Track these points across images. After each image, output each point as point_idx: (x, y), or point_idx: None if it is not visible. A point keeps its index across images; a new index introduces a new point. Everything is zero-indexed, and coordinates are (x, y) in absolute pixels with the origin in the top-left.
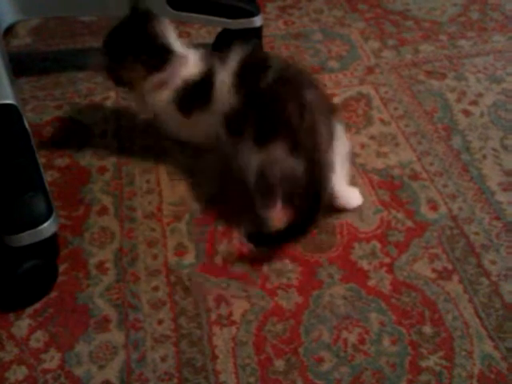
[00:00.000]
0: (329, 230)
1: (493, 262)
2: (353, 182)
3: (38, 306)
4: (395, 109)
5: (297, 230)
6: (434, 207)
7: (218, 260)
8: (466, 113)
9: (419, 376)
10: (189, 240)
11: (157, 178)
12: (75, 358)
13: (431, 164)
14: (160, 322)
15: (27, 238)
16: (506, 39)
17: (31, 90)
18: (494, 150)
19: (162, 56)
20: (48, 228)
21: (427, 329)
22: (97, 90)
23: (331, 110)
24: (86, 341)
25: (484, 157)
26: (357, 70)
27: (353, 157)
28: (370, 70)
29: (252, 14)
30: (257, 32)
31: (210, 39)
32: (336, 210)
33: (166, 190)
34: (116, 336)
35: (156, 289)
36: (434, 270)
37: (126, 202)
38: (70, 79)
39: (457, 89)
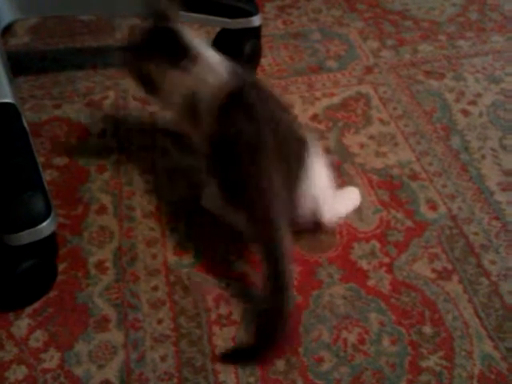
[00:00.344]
0: (328, 229)
1: (492, 262)
2: (352, 182)
3: (37, 305)
4: (394, 109)
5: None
6: (434, 207)
7: (218, 259)
8: (465, 113)
9: (419, 376)
10: (188, 239)
11: (156, 177)
12: (75, 357)
13: (430, 164)
14: (159, 321)
15: (26, 237)
16: (505, 39)
17: (30, 89)
18: (493, 149)
19: (186, 54)
20: (47, 227)
21: (427, 329)
22: (96, 90)
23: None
24: (86, 340)
25: (483, 157)
26: (355, 69)
27: (352, 156)
28: (368, 70)
29: (251, 14)
30: (255, 32)
31: (209, 39)
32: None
33: (165, 189)
34: (115, 336)
35: (155, 288)
36: (433, 270)
37: (125, 201)
38: (68, 78)
39: (455, 89)
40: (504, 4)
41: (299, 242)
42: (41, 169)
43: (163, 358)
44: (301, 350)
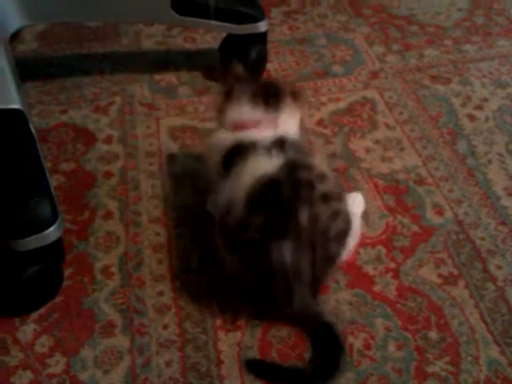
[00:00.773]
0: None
1: (499, 267)
2: (357, 187)
3: (42, 310)
4: (400, 113)
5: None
6: (440, 212)
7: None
8: (471, 117)
9: (425, 382)
10: (194, 245)
11: (162, 182)
12: (80, 362)
13: (436, 169)
14: (165, 326)
15: (33, 242)
16: (511, 44)
17: (37, 95)
18: (500, 154)
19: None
20: (53, 232)
21: (433, 334)
22: (102, 95)
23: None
24: (91, 345)
25: (489, 161)
26: (361, 74)
27: (358, 161)
28: (374, 75)
29: (257, 20)
30: (262, 37)
31: (215, 44)
32: None
33: (172, 194)
34: (121, 341)
35: (161, 293)
36: (439, 275)
37: (132, 206)
38: (75, 84)
39: (462, 93)
40: (510, 8)
41: None
42: (48, 174)
43: (168, 364)
44: (306, 355)
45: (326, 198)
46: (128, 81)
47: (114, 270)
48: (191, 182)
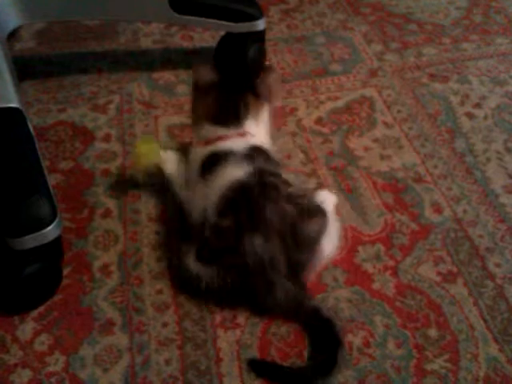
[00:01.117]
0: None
1: (497, 265)
2: (356, 185)
3: (42, 309)
4: (398, 112)
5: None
6: (438, 210)
7: None
8: (470, 115)
9: (424, 379)
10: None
11: (161, 181)
12: (79, 361)
13: (435, 167)
14: (164, 324)
15: (31, 241)
16: (510, 42)
17: (35, 94)
18: (498, 152)
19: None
20: (52, 231)
21: (432, 332)
22: (100, 94)
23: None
24: (91, 344)
25: (488, 159)
26: (360, 72)
27: (356, 159)
28: (372, 73)
29: (255, 18)
30: (260, 35)
31: (213, 43)
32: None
33: (170, 193)
34: (120, 339)
35: (160, 292)
36: (438, 273)
37: (130, 204)
38: (73, 83)
39: (460, 92)
40: (509, 6)
41: None
42: (46, 173)
43: (168, 362)
44: (305, 353)
45: (291, 197)
46: (126, 79)
47: (112, 268)
48: None
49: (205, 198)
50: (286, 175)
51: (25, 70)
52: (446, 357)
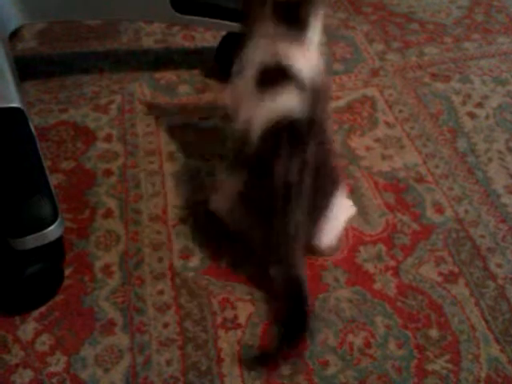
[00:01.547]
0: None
1: (499, 265)
2: (357, 185)
3: (43, 309)
4: (400, 111)
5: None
6: (440, 210)
7: (223, 263)
8: (472, 115)
9: (425, 380)
10: (194, 243)
11: (162, 180)
12: (81, 361)
13: (437, 166)
14: (165, 325)
15: (33, 241)
16: (511, 41)
17: (37, 94)
18: (500, 152)
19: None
20: (54, 231)
21: (433, 332)
22: (102, 94)
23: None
24: (92, 344)
25: (489, 159)
26: (361, 72)
27: (358, 159)
28: (374, 73)
29: None
30: None
31: (215, 42)
32: None
33: (172, 193)
34: (121, 339)
35: (161, 292)
36: (440, 273)
37: (132, 204)
38: (75, 82)
39: (462, 91)
40: (510, 6)
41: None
42: (47, 173)
43: (169, 362)
44: (306, 353)
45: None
46: (128, 79)
47: (114, 268)
48: (191, 180)
49: (252, 111)
50: None
51: (26, 69)
52: (447, 357)
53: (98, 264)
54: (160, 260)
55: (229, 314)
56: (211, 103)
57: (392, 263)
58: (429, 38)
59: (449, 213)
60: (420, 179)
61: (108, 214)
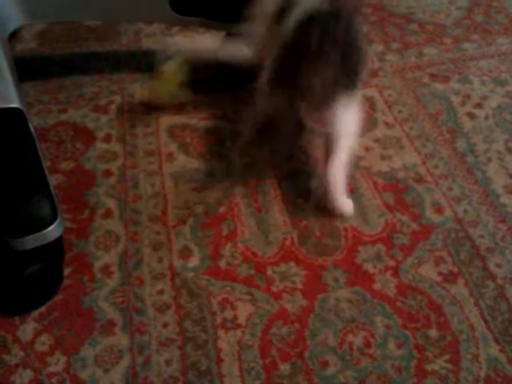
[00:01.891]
0: (333, 233)
1: (498, 265)
2: (357, 186)
3: (43, 309)
4: (399, 112)
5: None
6: (439, 210)
7: (223, 263)
8: (471, 115)
9: (425, 380)
10: (193, 243)
11: (161, 181)
12: (80, 361)
13: (436, 167)
14: (165, 325)
15: (32, 241)
16: (511, 42)
17: (36, 94)
18: (499, 152)
19: None
20: (53, 231)
21: (433, 332)
22: (101, 94)
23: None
24: (91, 344)
25: (489, 159)
26: None
27: (357, 160)
28: (373, 73)
29: None
30: None
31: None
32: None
33: (171, 193)
34: (121, 339)
35: (161, 292)
36: (439, 273)
37: (131, 205)
38: (74, 83)
39: (461, 92)
40: (510, 6)
41: (304, 246)
42: (47, 173)
43: (168, 362)
44: (306, 353)
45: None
46: (127, 80)
47: (113, 268)
48: (190, 180)
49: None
50: None
51: (26, 70)
52: (447, 357)
53: (98, 264)
54: (159, 260)
55: (228, 314)
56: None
57: (391, 263)
58: (428, 38)
59: (448, 213)
60: (419, 179)
61: (107, 214)
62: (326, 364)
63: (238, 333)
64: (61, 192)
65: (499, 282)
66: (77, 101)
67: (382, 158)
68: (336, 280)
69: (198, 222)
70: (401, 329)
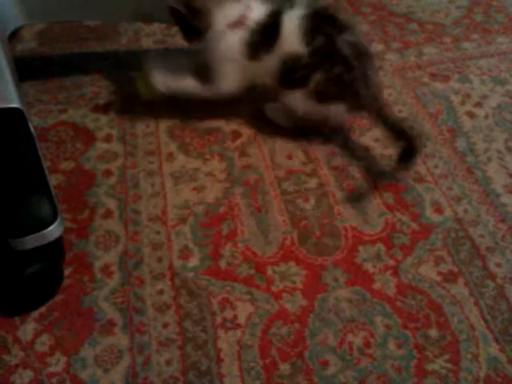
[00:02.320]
0: (333, 232)
1: (498, 265)
2: (356, 185)
3: (43, 309)
4: (399, 111)
5: None
6: (439, 210)
7: (223, 263)
8: (471, 115)
9: (425, 379)
10: (193, 243)
11: (161, 181)
12: (80, 361)
13: (436, 166)
14: (165, 325)
15: (32, 241)
16: (510, 41)
17: (36, 94)
18: (499, 151)
19: None
20: (53, 231)
21: (433, 332)
22: (101, 94)
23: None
24: (91, 344)
25: (489, 159)
26: None
27: (357, 159)
28: None
29: None
30: None
31: None
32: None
33: (171, 193)
34: (121, 339)
35: (161, 292)
36: (439, 273)
37: (131, 205)
38: (74, 83)
39: (461, 91)
40: (509, 5)
41: (304, 246)
42: (47, 173)
43: (168, 362)
44: (306, 353)
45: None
46: (127, 79)
47: (113, 268)
48: (190, 180)
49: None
50: None
51: (26, 70)
52: (447, 357)
53: (98, 264)
54: (159, 260)
55: (228, 314)
56: None
57: (391, 263)
58: (428, 37)
59: (448, 212)
60: (419, 179)
61: (107, 214)
62: (326, 364)
63: (238, 333)
64: (61, 192)
65: (499, 281)
66: (77, 101)
67: (382, 157)
68: (336, 280)
69: (198, 221)
70: (401, 329)
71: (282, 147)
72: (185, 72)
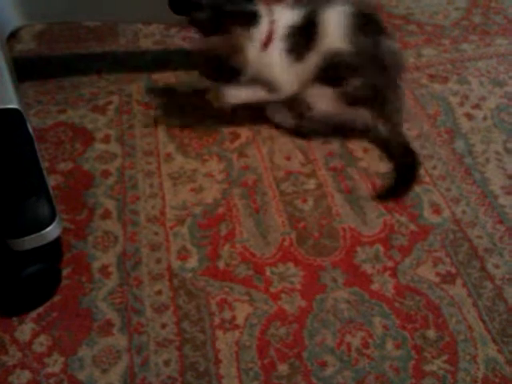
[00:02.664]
0: (332, 233)
1: (496, 266)
2: (355, 186)
3: (41, 310)
4: None
5: None
6: (438, 211)
7: (221, 264)
8: (469, 116)
9: (423, 380)
10: (192, 244)
11: (160, 182)
12: (78, 362)
13: (434, 167)
14: (163, 326)
15: (31, 242)
16: (509, 42)
17: (35, 95)
18: (497, 153)
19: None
20: (51, 232)
21: (431, 333)
22: (100, 95)
23: None
24: (89, 345)
25: (487, 160)
26: None
27: (356, 160)
28: None
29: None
30: None
31: None
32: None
33: (169, 194)
34: (119, 340)
35: (159, 293)
36: (437, 274)
37: (129, 205)
38: (73, 84)
39: (459, 92)
40: (508, 7)
41: (303, 247)
42: (45, 174)
43: (167, 363)
44: (304, 354)
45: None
46: (126, 80)
47: (112, 269)
48: (189, 181)
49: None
50: None
51: (25, 71)
52: (445, 358)
53: (96, 265)
54: (158, 261)
55: (227, 314)
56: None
57: (390, 264)
58: (427, 39)
59: (446, 214)
60: (418, 180)
61: (106, 214)
62: (324, 364)
63: (237, 333)
64: (59, 192)
65: (497, 282)
66: (75, 101)
67: (381, 158)
68: (334, 280)
69: (197, 222)
70: (399, 329)
71: (281, 148)
72: (249, 84)
